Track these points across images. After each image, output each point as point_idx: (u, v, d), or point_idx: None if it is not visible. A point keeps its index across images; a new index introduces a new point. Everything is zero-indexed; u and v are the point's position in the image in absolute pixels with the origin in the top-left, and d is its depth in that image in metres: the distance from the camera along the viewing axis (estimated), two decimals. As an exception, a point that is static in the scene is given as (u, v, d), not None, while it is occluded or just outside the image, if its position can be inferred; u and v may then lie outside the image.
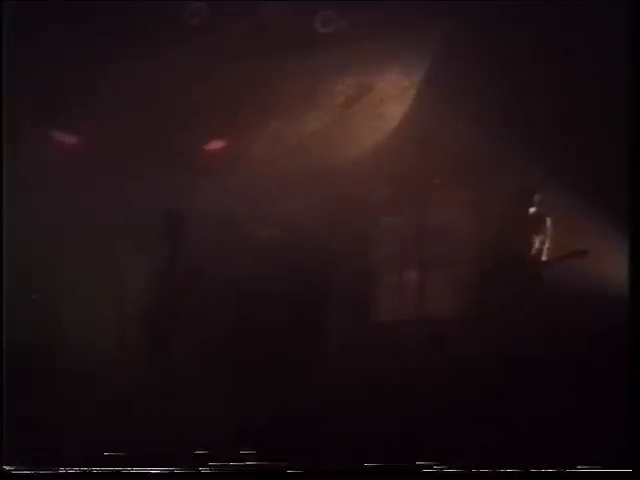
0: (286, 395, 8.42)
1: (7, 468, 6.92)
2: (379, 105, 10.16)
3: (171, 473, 6.81)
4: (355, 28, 9.06)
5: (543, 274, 9.76)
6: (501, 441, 7.11)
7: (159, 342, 8.85)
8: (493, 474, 6.68)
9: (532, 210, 9.99)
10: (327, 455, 7.29)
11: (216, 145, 9.57)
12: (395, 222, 10.18)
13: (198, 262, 9.14)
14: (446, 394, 8.24)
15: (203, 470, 6.88)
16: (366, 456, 7.17)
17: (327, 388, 8.64)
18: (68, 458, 6.96)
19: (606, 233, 9.11)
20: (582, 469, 6.70)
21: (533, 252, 9.97)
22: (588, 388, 7.62)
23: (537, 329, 9.23)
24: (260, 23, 8.97)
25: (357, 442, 7.53)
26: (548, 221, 9.94)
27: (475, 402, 7.81)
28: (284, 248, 9.63)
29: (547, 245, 9.90)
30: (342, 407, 8.19)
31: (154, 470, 6.81)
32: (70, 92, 8.75)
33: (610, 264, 9.08)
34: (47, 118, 9.01)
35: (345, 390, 8.56)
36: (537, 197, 9.95)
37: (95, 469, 6.86)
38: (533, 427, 7.32)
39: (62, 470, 6.87)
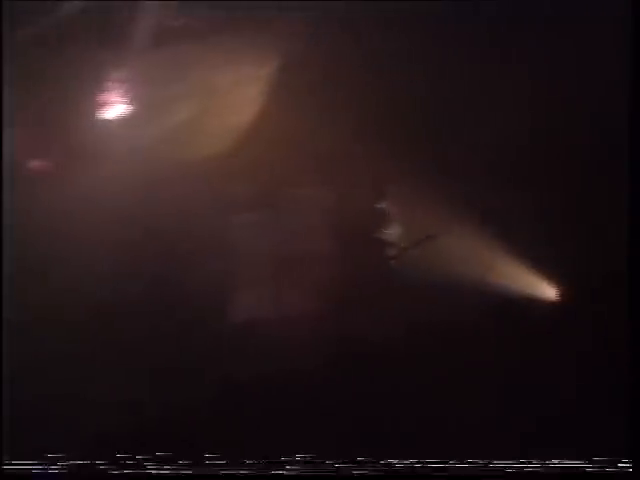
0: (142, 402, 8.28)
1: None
2: (235, 101, 10.09)
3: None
4: (210, 22, 9.13)
5: (401, 265, 10.00)
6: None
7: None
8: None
9: (383, 205, 10.22)
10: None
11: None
12: (252, 220, 10.12)
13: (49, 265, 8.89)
14: (315, 393, 8.21)
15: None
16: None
17: (189, 390, 8.54)
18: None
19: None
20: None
21: (390, 246, 10.21)
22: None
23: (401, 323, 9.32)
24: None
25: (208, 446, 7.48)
26: (395, 213, 10.21)
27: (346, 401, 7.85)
28: (131, 248, 9.38)
29: (399, 235, 10.16)
30: (196, 411, 8.11)
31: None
32: None
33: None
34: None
35: (203, 393, 8.48)
36: (389, 192, 10.20)
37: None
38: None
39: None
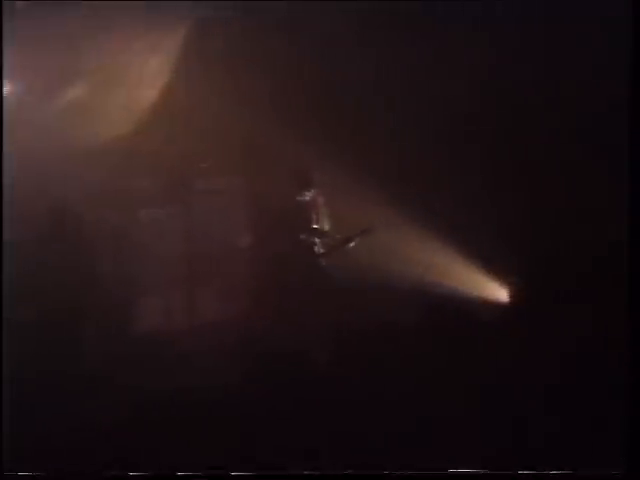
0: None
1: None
2: (135, 88, 9.40)
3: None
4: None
5: (331, 264, 9.12)
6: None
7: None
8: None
9: (309, 196, 9.26)
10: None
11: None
12: (159, 214, 9.40)
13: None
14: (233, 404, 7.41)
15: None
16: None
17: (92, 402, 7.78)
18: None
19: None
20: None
21: (318, 243, 9.24)
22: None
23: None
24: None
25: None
26: (322, 205, 9.26)
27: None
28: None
29: (326, 229, 9.23)
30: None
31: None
32: None
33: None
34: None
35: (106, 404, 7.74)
36: (315, 181, 9.25)
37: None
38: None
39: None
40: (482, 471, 6.15)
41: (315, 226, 9.24)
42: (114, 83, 9.08)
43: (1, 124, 7.42)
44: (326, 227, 9.27)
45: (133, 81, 9.18)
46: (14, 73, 8.43)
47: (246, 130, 9.14)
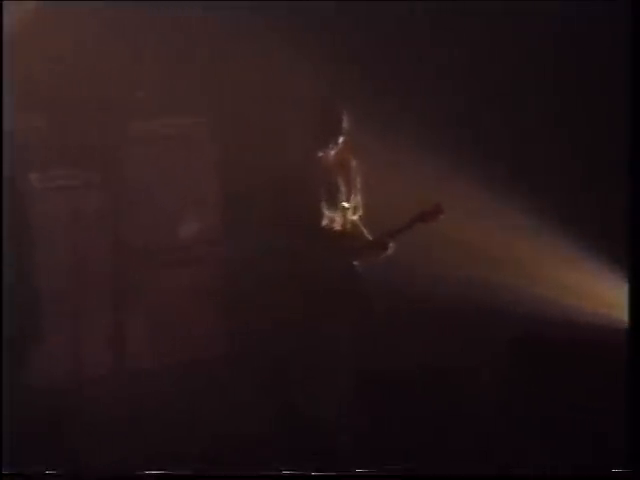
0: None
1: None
2: None
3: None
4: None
5: (366, 266, 6.13)
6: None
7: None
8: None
9: (332, 154, 6.06)
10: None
11: None
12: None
13: None
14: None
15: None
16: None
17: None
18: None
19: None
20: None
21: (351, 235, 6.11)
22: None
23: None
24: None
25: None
26: (356, 169, 6.16)
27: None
28: None
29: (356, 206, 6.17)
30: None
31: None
32: None
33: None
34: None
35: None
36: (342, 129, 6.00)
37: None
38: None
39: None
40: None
41: (345, 204, 6.00)
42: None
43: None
44: (361, 206, 6.11)
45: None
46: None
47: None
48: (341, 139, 5.88)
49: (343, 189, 5.94)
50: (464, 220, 6.54)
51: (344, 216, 5.93)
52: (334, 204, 5.89)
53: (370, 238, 6.00)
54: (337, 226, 5.91)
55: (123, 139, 7.08)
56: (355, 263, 5.94)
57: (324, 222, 5.85)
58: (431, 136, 6.95)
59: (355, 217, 6.03)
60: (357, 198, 6.01)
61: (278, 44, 6.97)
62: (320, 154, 5.85)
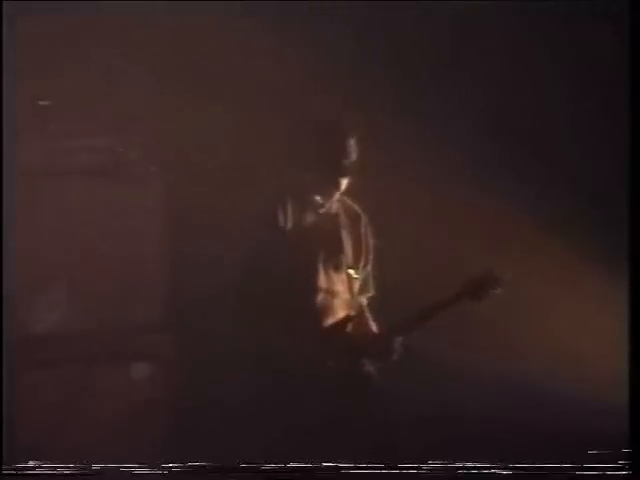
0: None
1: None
2: None
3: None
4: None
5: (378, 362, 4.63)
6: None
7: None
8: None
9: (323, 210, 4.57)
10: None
11: None
12: None
13: None
14: None
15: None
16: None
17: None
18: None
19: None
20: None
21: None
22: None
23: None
24: None
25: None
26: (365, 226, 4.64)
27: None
28: None
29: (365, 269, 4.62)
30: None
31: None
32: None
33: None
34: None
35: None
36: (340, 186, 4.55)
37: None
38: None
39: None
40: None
41: (352, 272, 4.47)
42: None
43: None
44: (372, 281, 4.56)
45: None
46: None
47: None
48: (345, 181, 4.27)
49: (350, 252, 4.34)
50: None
51: (350, 290, 4.27)
52: (337, 270, 4.28)
53: (376, 331, 4.42)
54: (339, 310, 4.27)
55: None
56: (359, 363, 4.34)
57: (320, 300, 4.15)
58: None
59: (364, 298, 4.45)
60: (367, 268, 4.40)
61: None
62: (318, 206, 4.24)
